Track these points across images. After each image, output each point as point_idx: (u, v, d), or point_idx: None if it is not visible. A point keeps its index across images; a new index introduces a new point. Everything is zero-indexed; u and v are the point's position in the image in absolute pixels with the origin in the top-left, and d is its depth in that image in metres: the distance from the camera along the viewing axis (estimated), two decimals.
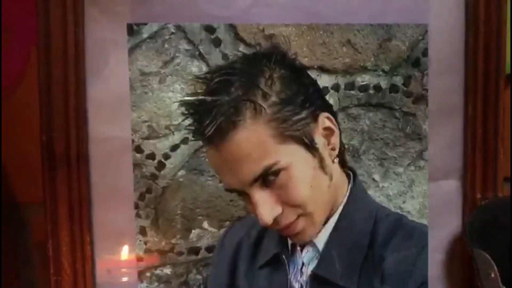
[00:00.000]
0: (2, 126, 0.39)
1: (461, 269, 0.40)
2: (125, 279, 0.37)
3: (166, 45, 0.37)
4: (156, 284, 0.37)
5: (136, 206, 0.38)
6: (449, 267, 0.41)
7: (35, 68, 0.37)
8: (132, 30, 0.35)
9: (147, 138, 0.37)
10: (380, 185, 0.41)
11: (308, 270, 0.40)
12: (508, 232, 0.36)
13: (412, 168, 0.41)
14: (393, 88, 0.40)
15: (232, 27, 0.37)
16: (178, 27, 0.36)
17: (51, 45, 0.34)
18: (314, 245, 0.39)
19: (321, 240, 0.39)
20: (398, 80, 0.40)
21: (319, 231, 0.39)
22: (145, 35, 0.36)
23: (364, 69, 0.40)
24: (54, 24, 0.34)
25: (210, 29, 0.36)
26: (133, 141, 0.37)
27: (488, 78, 0.40)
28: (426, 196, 0.41)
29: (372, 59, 0.40)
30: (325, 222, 0.39)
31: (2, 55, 0.37)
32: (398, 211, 0.41)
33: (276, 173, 0.37)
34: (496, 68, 0.39)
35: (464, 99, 0.40)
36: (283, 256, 0.39)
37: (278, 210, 0.37)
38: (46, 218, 0.36)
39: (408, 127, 0.40)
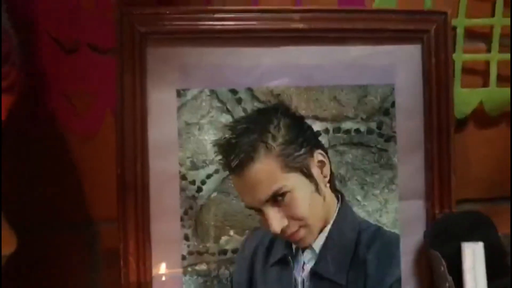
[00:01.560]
0: (88, 161, 0.51)
1: (425, 267, 0.49)
2: (173, 273, 0.47)
3: (203, 104, 0.47)
4: (195, 277, 0.47)
5: (182, 219, 0.47)
6: (417, 266, 0.50)
7: (110, 120, 0.49)
8: (180, 93, 0.47)
9: (190, 169, 0.47)
10: (362, 203, 0.50)
11: (308, 267, 0.49)
12: (452, 237, 0.47)
13: (386, 190, 0.50)
14: (369, 131, 0.50)
15: (250, 90, 0.48)
16: (212, 91, 0.47)
17: (124, 104, 0.45)
18: (312, 249, 0.49)
19: (317, 245, 0.49)
20: (373, 125, 0.50)
21: (316, 238, 0.49)
22: (188, 97, 0.47)
23: (347, 118, 0.49)
24: (127, 89, 0.45)
25: (234, 92, 0.48)
26: (180, 172, 0.47)
27: (441, 122, 0.49)
28: (398, 212, 0.50)
29: (353, 110, 0.49)
30: (321, 231, 0.49)
31: (87, 112, 0.50)
32: (377, 223, 0.50)
33: (283, 194, 0.47)
34: (446, 115, 0.49)
35: (424, 139, 0.50)
36: (289, 257, 0.49)
37: (284, 222, 0.48)
38: (119, 229, 0.46)
39: (382, 160, 0.50)
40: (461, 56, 0.52)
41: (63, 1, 0.47)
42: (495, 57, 0.52)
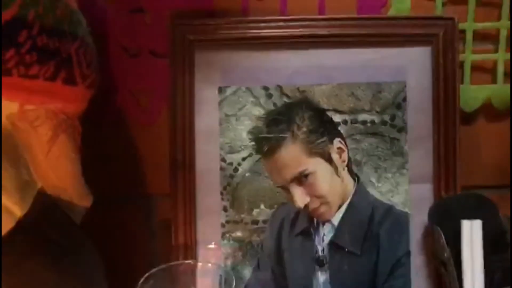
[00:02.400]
0: (147, 146, 0.61)
1: (432, 242, 0.57)
2: (214, 238, 0.56)
3: (240, 99, 0.56)
4: (232, 242, 0.56)
5: (221, 194, 0.56)
6: (424, 241, 0.56)
7: (165, 112, 0.57)
8: (221, 90, 0.56)
9: (228, 153, 0.56)
10: (376, 185, 0.56)
11: (327, 239, 0.56)
12: (455, 215, 0.53)
13: (398, 174, 0.56)
14: (383, 123, 0.56)
15: (279, 87, 0.56)
16: (247, 88, 0.56)
17: (176, 99, 0.55)
18: (331, 223, 0.56)
19: (336, 220, 0.56)
20: (386, 117, 0.56)
21: (335, 214, 0.56)
22: (228, 93, 0.56)
23: (363, 111, 0.56)
24: (178, 87, 0.55)
25: (266, 89, 0.56)
26: (220, 154, 0.56)
27: (447, 115, 0.55)
28: (408, 193, 0.56)
29: (369, 104, 0.56)
30: (339, 208, 0.56)
31: (147, 106, 0.61)
32: (389, 202, 0.56)
33: (306, 176, 0.55)
34: (453, 109, 0.55)
35: (432, 130, 0.56)
36: (311, 229, 0.56)
37: (307, 199, 0.55)
38: (172, 202, 0.55)
39: (394, 147, 0.56)
40: (470, 56, 0.58)
41: (129, 17, 0.58)
42: (502, 56, 0.58)
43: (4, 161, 0.31)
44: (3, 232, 0.31)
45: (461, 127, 0.57)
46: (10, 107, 0.31)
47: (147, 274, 0.47)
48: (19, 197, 0.32)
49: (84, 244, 0.38)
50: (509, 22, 0.57)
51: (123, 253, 0.59)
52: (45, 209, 0.35)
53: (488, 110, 0.59)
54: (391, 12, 0.57)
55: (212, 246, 0.57)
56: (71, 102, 0.36)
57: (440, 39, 0.55)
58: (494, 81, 0.59)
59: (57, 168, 0.36)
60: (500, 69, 0.58)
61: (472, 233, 0.51)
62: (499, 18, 0.57)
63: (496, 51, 0.58)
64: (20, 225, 0.32)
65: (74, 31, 0.33)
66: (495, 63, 0.58)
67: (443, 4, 0.57)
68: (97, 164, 0.55)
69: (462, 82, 0.58)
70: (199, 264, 0.52)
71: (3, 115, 0.31)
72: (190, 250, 0.56)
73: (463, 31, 0.57)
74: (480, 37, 0.58)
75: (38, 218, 0.33)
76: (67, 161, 0.37)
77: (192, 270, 0.51)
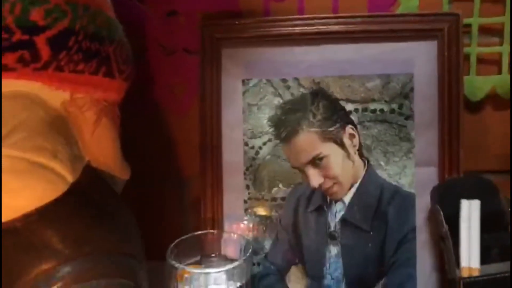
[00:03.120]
0: (180, 132, 0.69)
1: (434, 220, 0.62)
2: (237, 212, 0.63)
3: (261, 90, 0.62)
4: (253, 216, 0.63)
5: (244, 174, 0.62)
6: (429, 219, 0.60)
7: (196, 102, 0.64)
8: (244, 82, 0.62)
9: (250, 138, 0.62)
10: (384, 168, 0.61)
11: (339, 215, 0.61)
12: (456, 195, 0.58)
13: (405, 158, 0.61)
14: (392, 111, 0.60)
15: (296, 79, 0.62)
16: (268, 80, 0.62)
17: (205, 91, 0.62)
18: (343, 201, 0.61)
19: (347, 198, 0.61)
20: (394, 106, 0.60)
21: (346, 193, 0.61)
22: (250, 85, 0.62)
23: (373, 100, 0.61)
24: (207, 80, 0.61)
25: (284, 81, 0.62)
26: (243, 139, 0.62)
27: (451, 104, 0.59)
28: (414, 176, 0.60)
29: (378, 94, 0.61)
30: (350, 188, 0.61)
31: (181, 97, 0.69)
32: (396, 184, 0.61)
33: (321, 159, 0.60)
34: (456, 99, 0.59)
35: (438, 117, 0.60)
36: (324, 206, 0.61)
37: (321, 180, 0.61)
38: (201, 181, 0.62)
39: (401, 134, 0.61)
40: (475, 49, 0.62)
41: (166, 19, 0.66)
42: (506, 49, 0.61)
43: (60, 138, 0.40)
44: (59, 194, 0.40)
45: (467, 115, 0.62)
46: (63, 96, 0.40)
47: (177, 240, 0.55)
48: (71, 167, 0.40)
49: (123, 209, 0.47)
50: None
51: (159, 224, 0.68)
52: (91, 178, 0.43)
53: (493, 100, 0.63)
54: (400, 10, 0.62)
55: (241, 224, 0.64)
56: (111, 91, 0.44)
57: (445, 33, 0.60)
58: (499, 72, 0.62)
59: (100, 145, 0.44)
60: (505, 60, 0.61)
61: (470, 212, 0.56)
62: (503, 13, 0.61)
63: (501, 44, 0.62)
64: (72, 189, 0.41)
65: (111, 35, 0.41)
66: (500, 55, 0.62)
67: (450, 1, 0.61)
68: (138, 148, 0.63)
69: (468, 73, 0.62)
70: (224, 234, 0.59)
71: (58, 102, 0.40)
72: (216, 223, 0.63)
73: (469, 26, 0.61)
74: (486, 31, 0.62)
75: (85, 185, 0.42)
76: (108, 140, 0.45)
77: (217, 239, 0.59)
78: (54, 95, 0.39)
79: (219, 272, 0.51)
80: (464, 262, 0.54)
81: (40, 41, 0.33)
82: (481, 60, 0.62)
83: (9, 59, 0.32)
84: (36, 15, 0.32)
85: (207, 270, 0.51)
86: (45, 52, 0.33)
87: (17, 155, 0.36)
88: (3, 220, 0.38)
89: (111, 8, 0.43)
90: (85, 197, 0.42)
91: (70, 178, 0.40)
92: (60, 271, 0.40)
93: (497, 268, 0.54)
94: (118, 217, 0.45)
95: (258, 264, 0.63)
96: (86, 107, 0.41)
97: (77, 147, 0.42)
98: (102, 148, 0.44)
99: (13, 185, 0.37)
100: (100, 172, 0.45)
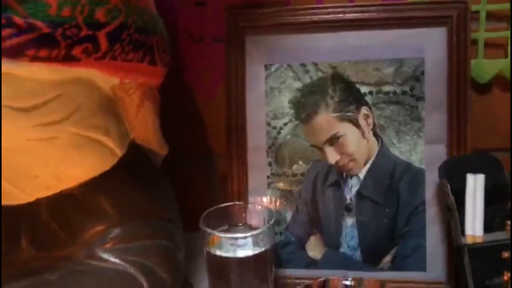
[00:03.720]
0: (208, 114, 0.76)
1: (442, 193, 0.67)
2: (261, 187, 0.69)
3: (282, 74, 0.67)
4: (276, 190, 0.69)
5: (267, 152, 0.67)
6: (438, 193, 0.65)
7: (222, 86, 0.71)
8: (266, 67, 0.68)
9: (273, 119, 0.68)
10: (396, 145, 0.65)
11: (354, 189, 0.66)
12: (462, 170, 0.62)
13: (415, 136, 0.65)
14: (404, 93, 0.65)
15: (315, 64, 0.67)
16: (288, 65, 0.67)
17: (231, 75, 0.67)
18: (358, 176, 0.66)
19: (362, 174, 0.66)
20: (406, 88, 0.65)
21: (361, 169, 0.66)
22: (272, 70, 0.67)
23: (387, 83, 0.65)
24: (232, 65, 0.67)
25: (303, 65, 0.67)
26: (266, 120, 0.68)
27: (459, 87, 0.63)
28: (424, 153, 0.65)
29: (391, 77, 0.65)
30: (365, 164, 0.66)
31: (208, 81, 0.75)
32: (407, 160, 0.65)
33: (337, 138, 0.66)
34: (464, 80, 0.63)
35: (446, 99, 0.64)
36: (341, 181, 0.66)
37: (338, 157, 0.66)
38: (228, 159, 0.68)
39: (413, 114, 0.65)
40: (483, 34, 0.66)
41: (194, 9, 0.72)
42: None
43: (111, 118, 0.46)
44: (110, 166, 0.46)
45: (475, 96, 0.66)
46: (113, 81, 0.46)
47: (207, 211, 0.61)
48: (120, 143, 0.47)
49: (162, 181, 0.53)
50: None
51: (190, 198, 0.74)
52: (135, 153, 0.49)
53: (500, 82, 0.68)
54: None
55: (264, 197, 0.70)
56: (153, 77, 0.50)
57: (454, 20, 0.64)
58: (505, 56, 0.67)
59: (143, 125, 0.50)
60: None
61: (475, 185, 0.60)
62: (510, 0, 0.65)
63: (508, 29, 0.66)
64: (120, 162, 0.47)
65: (154, 29, 0.47)
66: (507, 39, 0.66)
67: None
68: (172, 128, 0.69)
69: (476, 57, 0.66)
70: (249, 205, 0.66)
71: (108, 87, 0.46)
72: (242, 196, 0.69)
73: (477, 12, 0.65)
74: (493, 16, 0.66)
75: (131, 159, 0.48)
76: (150, 120, 0.51)
77: (243, 210, 0.65)
78: (106, 81, 0.45)
79: (245, 237, 0.57)
80: (469, 230, 0.59)
81: (101, 35, 0.39)
82: (488, 45, 0.66)
83: (77, 50, 0.38)
84: (99, 14, 0.38)
85: (235, 235, 0.57)
86: (104, 44, 0.40)
87: (78, 132, 0.43)
88: (65, 187, 0.44)
89: (153, 4, 0.49)
90: (131, 169, 0.49)
91: (119, 153, 0.47)
92: (111, 232, 0.47)
93: (499, 236, 0.59)
94: (159, 187, 0.51)
95: (280, 233, 0.69)
96: (131, 91, 0.47)
97: (124, 126, 0.48)
98: (145, 127, 0.51)
99: (74, 158, 0.44)
100: (142, 148, 0.51)
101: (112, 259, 0.45)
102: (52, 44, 0.37)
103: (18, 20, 0.35)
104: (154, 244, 0.47)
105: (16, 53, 0.36)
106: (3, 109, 0.37)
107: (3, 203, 0.44)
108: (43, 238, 0.45)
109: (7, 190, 0.43)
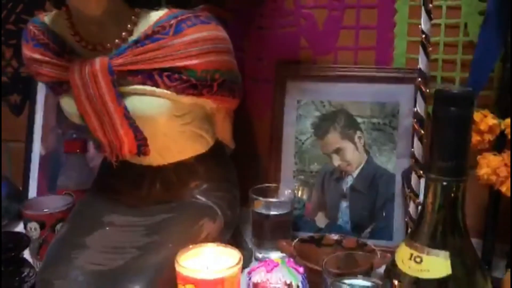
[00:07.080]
0: (258, 130, 1.17)
1: (403, 189, 1.03)
2: (289, 178, 1.07)
3: (307, 106, 1.04)
4: (299, 182, 1.07)
5: (294, 156, 1.06)
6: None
7: (269, 112, 1.15)
8: (298, 101, 1.06)
9: (299, 134, 1.04)
10: (378, 158, 1.00)
11: (349, 184, 1.02)
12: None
13: (391, 153, 1.02)
14: (385, 124, 1.00)
15: (329, 101, 1.05)
16: (311, 101, 1.05)
17: (275, 105, 1.11)
18: (352, 175, 1.02)
19: (355, 174, 1.01)
20: (387, 121, 1.00)
21: (355, 171, 1.03)
22: (302, 103, 1.05)
23: (374, 116, 0.99)
24: (277, 99, 1.10)
25: (321, 102, 1.07)
26: (295, 135, 1.07)
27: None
28: (395, 163, 1.00)
29: (377, 113, 1.00)
30: (357, 168, 1.03)
31: (261, 109, 1.16)
32: (385, 167, 1.01)
33: (340, 150, 1.02)
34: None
35: (411, 130, 1.04)
36: (341, 177, 1.03)
37: (339, 162, 1.02)
38: (268, 158, 1.09)
39: (390, 138, 1.01)
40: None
41: (255, 63, 1.13)
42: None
43: (208, 124, 0.86)
44: (205, 150, 0.87)
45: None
46: (211, 104, 0.86)
47: (252, 189, 1.01)
48: (212, 137, 0.87)
49: (230, 162, 0.93)
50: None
51: (243, 180, 1.14)
52: (218, 144, 0.90)
53: None
54: (394, 65, 1.05)
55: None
56: (232, 104, 0.89)
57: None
58: None
59: (223, 130, 0.91)
60: None
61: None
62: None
63: None
64: (210, 148, 0.88)
65: (236, 80, 0.85)
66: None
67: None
68: (237, 135, 1.10)
69: None
70: (280, 187, 1.04)
71: (208, 108, 0.87)
72: (277, 182, 1.08)
73: (435, 76, 1.02)
74: (446, 80, 1.03)
75: (216, 148, 0.89)
76: (227, 127, 0.92)
77: (277, 190, 1.04)
78: (208, 104, 0.85)
79: (276, 202, 0.96)
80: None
81: (214, 85, 0.78)
82: None
83: (204, 91, 0.78)
84: (216, 75, 0.78)
85: (272, 200, 0.96)
86: (215, 88, 0.79)
87: (193, 130, 0.84)
88: (182, 158, 0.85)
89: (236, 64, 0.89)
90: (215, 153, 0.89)
91: (211, 143, 0.88)
92: (203, 185, 0.87)
93: None
94: (228, 165, 0.92)
95: (299, 209, 1.08)
96: (220, 110, 0.88)
97: (213, 129, 0.89)
98: (224, 131, 0.92)
99: (186, 143, 0.85)
100: (222, 143, 0.92)
101: (203, 199, 0.85)
102: (195, 88, 0.76)
103: (185, 77, 0.75)
104: (225, 194, 0.87)
105: (181, 91, 0.76)
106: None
107: (150, 164, 0.86)
108: (169, 185, 0.86)
109: (155, 156, 0.84)
